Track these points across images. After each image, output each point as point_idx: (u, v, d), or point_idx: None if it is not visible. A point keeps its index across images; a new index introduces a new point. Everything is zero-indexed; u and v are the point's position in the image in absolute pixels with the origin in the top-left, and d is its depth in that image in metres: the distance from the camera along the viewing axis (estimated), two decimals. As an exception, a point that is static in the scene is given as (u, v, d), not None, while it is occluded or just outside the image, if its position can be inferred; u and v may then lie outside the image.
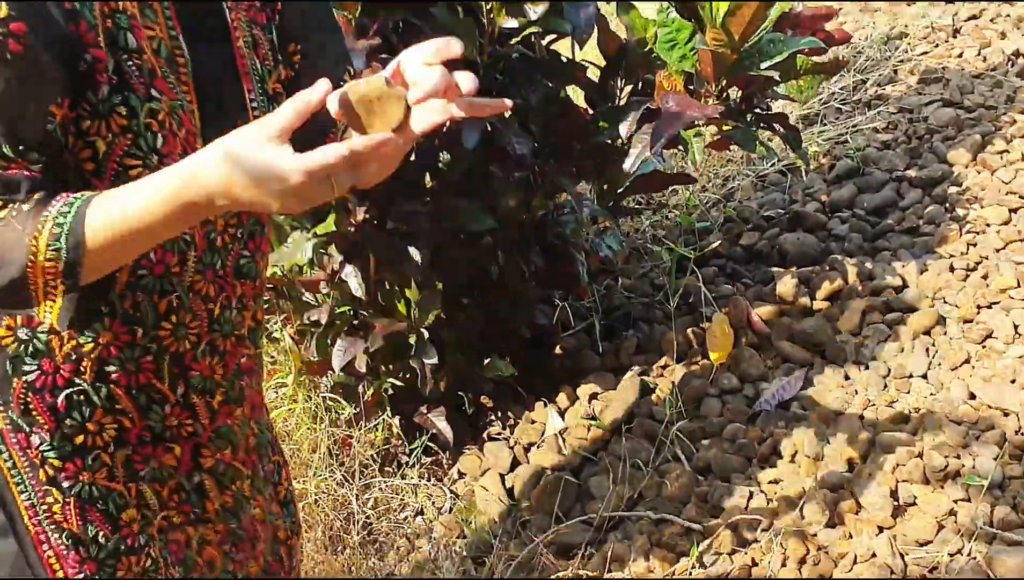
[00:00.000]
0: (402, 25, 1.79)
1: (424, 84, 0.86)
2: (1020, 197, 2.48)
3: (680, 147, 2.20)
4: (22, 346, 0.99)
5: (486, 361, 2.17)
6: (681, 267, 2.52)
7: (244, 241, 1.10)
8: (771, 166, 3.07)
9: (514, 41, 1.91)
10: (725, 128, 2.03)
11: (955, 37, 3.58)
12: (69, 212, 0.87)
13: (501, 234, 2.10)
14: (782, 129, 2.09)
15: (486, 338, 2.20)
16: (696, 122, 1.89)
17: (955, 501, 1.74)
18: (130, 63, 0.93)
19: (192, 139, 0.99)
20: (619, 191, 2.32)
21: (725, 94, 1.93)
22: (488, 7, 1.83)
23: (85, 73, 0.91)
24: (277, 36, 1.11)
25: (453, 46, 0.87)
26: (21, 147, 0.89)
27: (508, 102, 0.92)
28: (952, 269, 2.32)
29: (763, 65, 1.83)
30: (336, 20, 1.25)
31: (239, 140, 0.85)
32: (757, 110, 2.07)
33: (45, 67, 0.88)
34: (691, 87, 1.93)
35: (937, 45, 3.51)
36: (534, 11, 1.80)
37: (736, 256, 2.69)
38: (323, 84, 0.85)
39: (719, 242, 2.68)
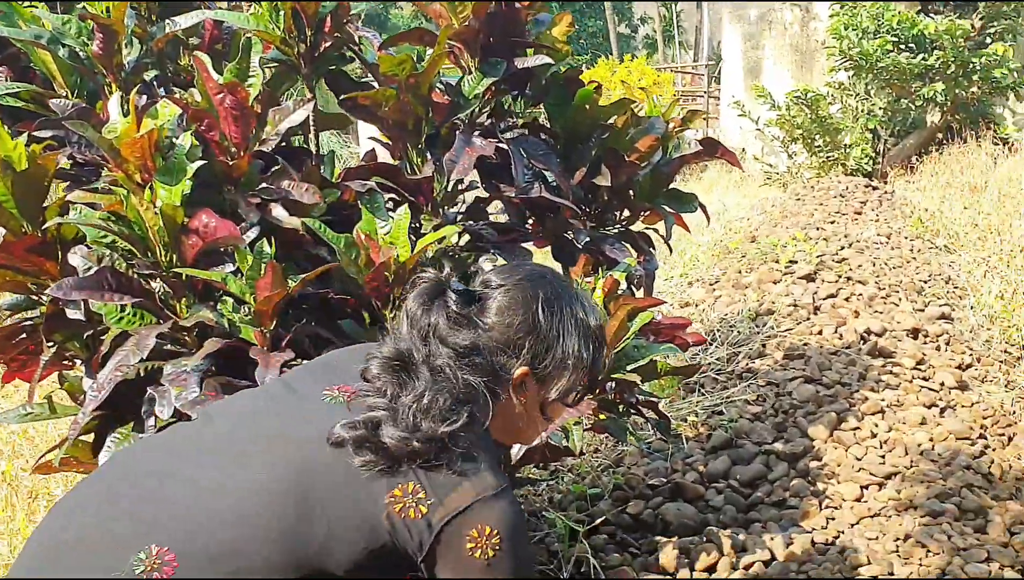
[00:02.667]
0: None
1: None
2: (870, 474, 2.75)
3: (561, 430, 2.42)
4: None
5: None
6: (574, 534, 2.66)
7: None
8: (654, 435, 3.33)
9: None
10: (600, 417, 2.28)
11: (815, 314, 4.04)
12: None
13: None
14: (653, 415, 2.35)
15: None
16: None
17: None
18: None
19: None
20: (512, 463, 2.51)
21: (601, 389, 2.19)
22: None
23: None
24: None
25: None
26: None
27: None
28: (813, 543, 2.53)
29: (628, 368, 2.11)
30: None
31: None
32: (630, 399, 2.33)
33: None
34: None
35: (799, 323, 3.94)
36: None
37: (624, 524, 2.86)
38: None
39: (608, 512, 2.85)
